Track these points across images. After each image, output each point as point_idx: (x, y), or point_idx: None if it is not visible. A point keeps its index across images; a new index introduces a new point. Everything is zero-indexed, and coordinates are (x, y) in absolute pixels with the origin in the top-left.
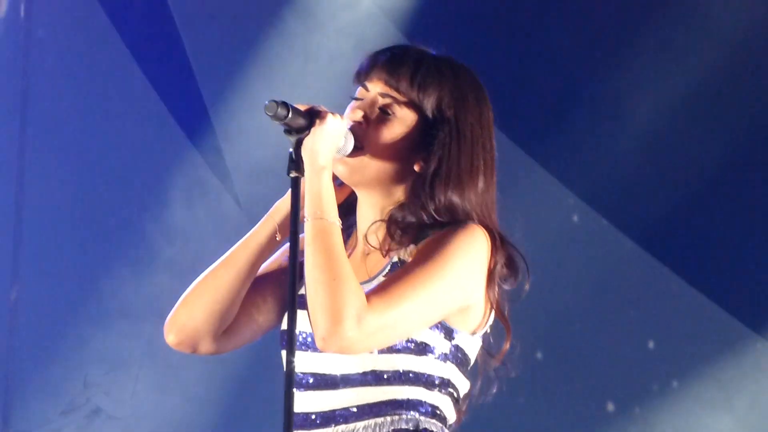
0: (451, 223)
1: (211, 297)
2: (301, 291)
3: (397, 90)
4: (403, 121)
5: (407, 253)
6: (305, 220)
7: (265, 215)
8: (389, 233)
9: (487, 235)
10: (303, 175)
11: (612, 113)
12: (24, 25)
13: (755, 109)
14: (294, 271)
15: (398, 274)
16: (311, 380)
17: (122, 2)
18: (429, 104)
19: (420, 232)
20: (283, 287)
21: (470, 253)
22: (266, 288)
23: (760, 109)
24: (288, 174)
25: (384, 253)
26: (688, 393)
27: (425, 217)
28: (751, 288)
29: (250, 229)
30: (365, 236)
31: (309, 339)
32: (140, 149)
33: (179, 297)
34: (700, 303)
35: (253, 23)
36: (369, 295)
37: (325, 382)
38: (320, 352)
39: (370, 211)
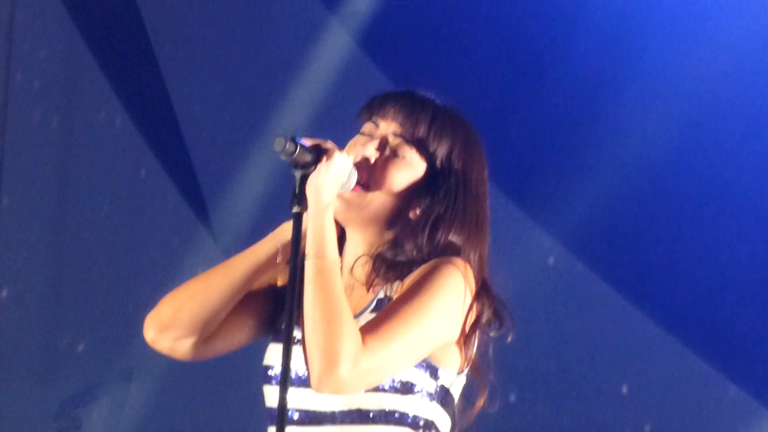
0: (437, 255)
1: (201, 300)
2: (295, 332)
3: (412, 134)
4: (412, 165)
5: (392, 290)
6: (306, 257)
7: (270, 233)
8: (374, 269)
9: (471, 274)
10: (305, 210)
11: (590, 156)
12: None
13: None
14: (292, 307)
15: (387, 312)
16: (296, 416)
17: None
18: (441, 153)
19: (406, 269)
20: (269, 310)
21: (453, 290)
22: (252, 306)
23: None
24: (291, 208)
25: (368, 288)
26: None
27: (416, 257)
28: (727, 335)
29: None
30: (351, 270)
31: (295, 374)
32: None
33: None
34: (675, 348)
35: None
36: (362, 333)
37: (309, 419)
38: (307, 388)
39: (357, 247)
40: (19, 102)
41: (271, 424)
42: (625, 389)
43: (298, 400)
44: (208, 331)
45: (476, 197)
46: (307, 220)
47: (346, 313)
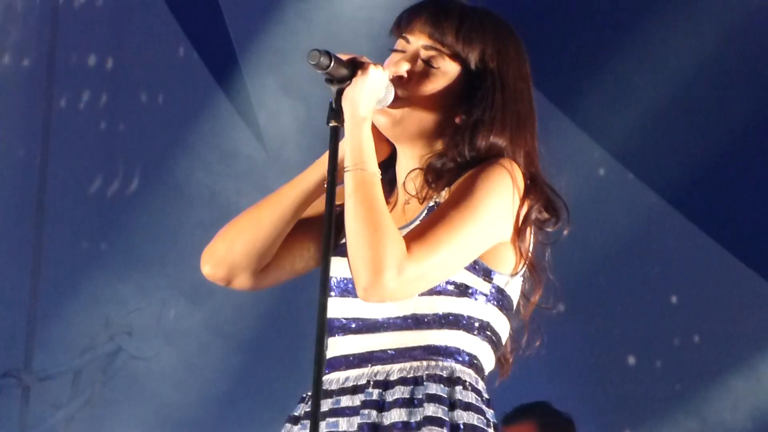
0: (486, 159)
1: (253, 233)
2: (345, 240)
3: (442, 43)
4: (447, 74)
5: (441, 197)
6: (345, 170)
7: (315, 161)
8: (426, 180)
9: (518, 171)
10: (342, 124)
11: (641, 69)
12: None
13: None
14: (330, 218)
15: (433, 217)
16: (354, 325)
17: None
18: (473, 57)
19: (455, 176)
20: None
21: (500, 190)
22: (308, 232)
23: None
24: (327, 123)
25: (421, 200)
26: (710, 348)
27: (461, 162)
28: None
29: (277, 179)
30: (403, 184)
31: (350, 285)
32: (170, 95)
33: (210, 235)
34: (724, 259)
35: None
36: (407, 241)
37: (366, 327)
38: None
39: (409, 162)
40: None
41: (331, 335)
42: (674, 299)
43: (354, 309)
44: (263, 262)
45: (515, 95)
46: (345, 134)
47: (389, 222)
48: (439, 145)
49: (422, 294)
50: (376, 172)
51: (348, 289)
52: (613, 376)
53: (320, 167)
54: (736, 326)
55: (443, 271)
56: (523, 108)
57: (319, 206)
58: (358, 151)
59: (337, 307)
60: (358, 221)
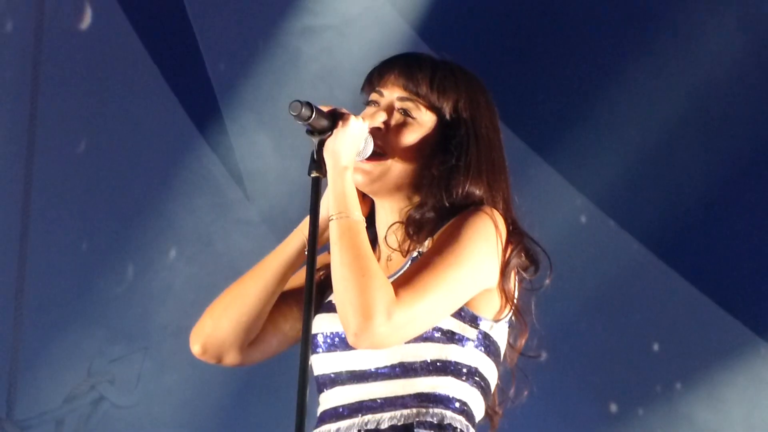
0: (465, 208)
1: (239, 308)
2: (330, 297)
3: (417, 94)
4: (423, 125)
5: (425, 248)
6: (330, 219)
7: (295, 229)
8: (407, 233)
9: (500, 217)
10: (324, 175)
11: (623, 115)
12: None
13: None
14: (311, 270)
15: (419, 265)
16: (342, 377)
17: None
18: (447, 107)
19: (436, 225)
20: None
21: (483, 237)
22: (294, 300)
23: None
24: (309, 174)
25: (404, 253)
26: (692, 395)
27: (441, 212)
28: (757, 292)
29: (262, 228)
30: (385, 239)
31: (336, 340)
32: (149, 139)
33: (188, 295)
34: (705, 306)
35: (267, 18)
36: (394, 287)
37: (355, 377)
38: (350, 350)
39: (389, 216)
40: None
41: (319, 392)
42: (656, 347)
43: (341, 362)
44: (251, 335)
45: (489, 144)
46: (328, 185)
47: (376, 268)
48: (417, 197)
49: (409, 342)
50: (361, 220)
51: (335, 344)
52: (595, 424)
53: (300, 234)
54: (718, 372)
55: (431, 317)
56: (497, 156)
57: (302, 277)
58: (341, 199)
59: (325, 363)
60: (345, 267)
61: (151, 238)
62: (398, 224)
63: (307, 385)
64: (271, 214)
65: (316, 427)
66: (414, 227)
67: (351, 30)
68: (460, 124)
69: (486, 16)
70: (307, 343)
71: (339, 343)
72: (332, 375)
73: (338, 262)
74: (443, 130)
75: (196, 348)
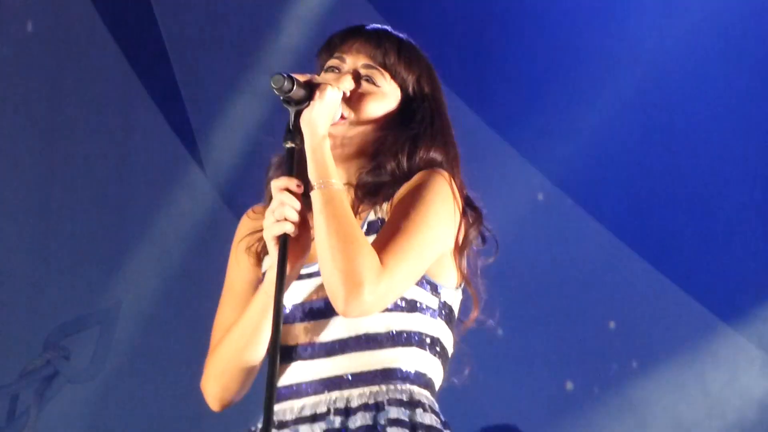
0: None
1: (239, 365)
2: (306, 268)
3: (383, 64)
4: (387, 95)
5: (383, 210)
6: (312, 188)
7: (260, 286)
8: (356, 196)
9: (453, 181)
10: (299, 145)
11: (579, 91)
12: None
13: (727, 99)
14: (283, 257)
15: (392, 229)
16: (305, 351)
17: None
18: (411, 80)
19: (390, 189)
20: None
21: (445, 199)
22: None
23: (737, 98)
24: (284, 144)
25: (355, 215)
26: (648, 374)
27: (398, 175)
28: (714, 271)
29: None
30: None
31: (298, 312)
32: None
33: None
34: (662, 285)
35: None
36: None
37: (318, 351)
38: (312, 320)
39: (341, 179)
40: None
41: (282, 362)
42: (612, 325)
43: (304, 333)
44: (256, 372)
45: (446, 122)
46: (307, 154)
47: (362, 236)
48: (370, 166)
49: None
50: (342, 189)
51: (295, 316)
52: (551, 401)
53: (267, 288)
54: (674, 351)
55: (409, 282)
56: (451, 134)
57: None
58: (322, 168)
59: (288, 334)
60: (332, 236)
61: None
62: (348, 186)
63: (277, 362)
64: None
65: (277, 401)
66: (366, 191)
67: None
68: (423, 99)
69: None
70: (278, 315)
71: (303, 314)
72: (297, 347)
73: (324, 230)
74: (406, 102)
75: (217, 410)
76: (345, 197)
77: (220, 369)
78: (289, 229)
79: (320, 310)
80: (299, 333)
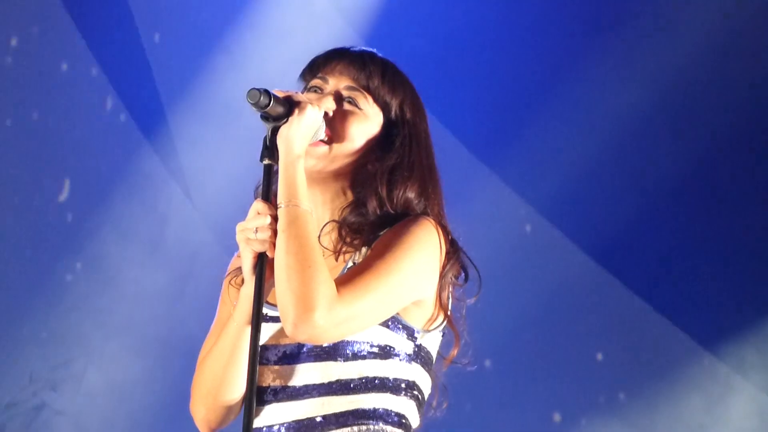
0: (404, 216)
1: (224, 387)
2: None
3: (366, 86)
4: (368, 117)
5: (361, 256)
6: (279, 207)
7: (235, 310)
8: (340, 236)
9: (439, 228)
10: (275, 162)
11: (570, 125)
12: None
13: (712, 126)
14: (261, 278)
15: (361, 266)
16: (277, 393)
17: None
18: (395, 104)
19: (372, 235)
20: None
21: (425, 246)
22: None
23: (718, 124)
24: (261, 160)
25: (336, 256)
26: (635, 406)
27: (380, 216)
28: (701, 303)
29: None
30: (318, 238)
31: (272, 355)
32: (92, 142)
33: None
34: (649, 316)
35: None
36: (336, 284)
37: (290, 394)
38: (287, 365)
39: (320, 209)
40: None
41: (258, 404)
42: (599, 357)
43: (278, 376)
44: (240, 394)
45: (427, 149)
46: (280, 171)
47: (320, 261)
48: (350, 193)
49: (346, 359)
50: (309, 210)
51: (267, 358)
52: None
53: (248, 289)
54: (661, 383)
55: (369, 318)
56: (433, 163)
57: None
58: (292, 188)
59: (261, 375)
60: (291, 256)
61: (95, 239)
62: (332, 224)
63: (256, 373)
64: (209, 212)
65: None
66: (350, 233)
67: (291, 35)
68: (404, 124)
69: (430, 22)
70: (257, 325)
71: (277, 358)
72: (269, 389)
73: (284, 250)
74: (387, 126)
75: None
76: (310, 219)
77: (204, 390)
78: (257, 248)
79: (293, 354)
80: (272, 375)
